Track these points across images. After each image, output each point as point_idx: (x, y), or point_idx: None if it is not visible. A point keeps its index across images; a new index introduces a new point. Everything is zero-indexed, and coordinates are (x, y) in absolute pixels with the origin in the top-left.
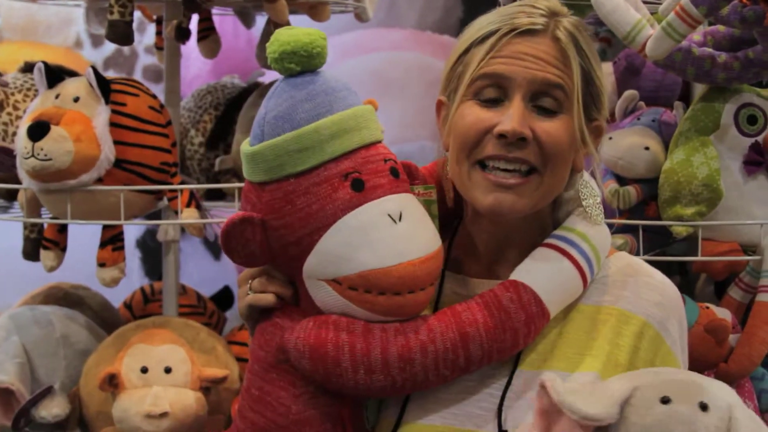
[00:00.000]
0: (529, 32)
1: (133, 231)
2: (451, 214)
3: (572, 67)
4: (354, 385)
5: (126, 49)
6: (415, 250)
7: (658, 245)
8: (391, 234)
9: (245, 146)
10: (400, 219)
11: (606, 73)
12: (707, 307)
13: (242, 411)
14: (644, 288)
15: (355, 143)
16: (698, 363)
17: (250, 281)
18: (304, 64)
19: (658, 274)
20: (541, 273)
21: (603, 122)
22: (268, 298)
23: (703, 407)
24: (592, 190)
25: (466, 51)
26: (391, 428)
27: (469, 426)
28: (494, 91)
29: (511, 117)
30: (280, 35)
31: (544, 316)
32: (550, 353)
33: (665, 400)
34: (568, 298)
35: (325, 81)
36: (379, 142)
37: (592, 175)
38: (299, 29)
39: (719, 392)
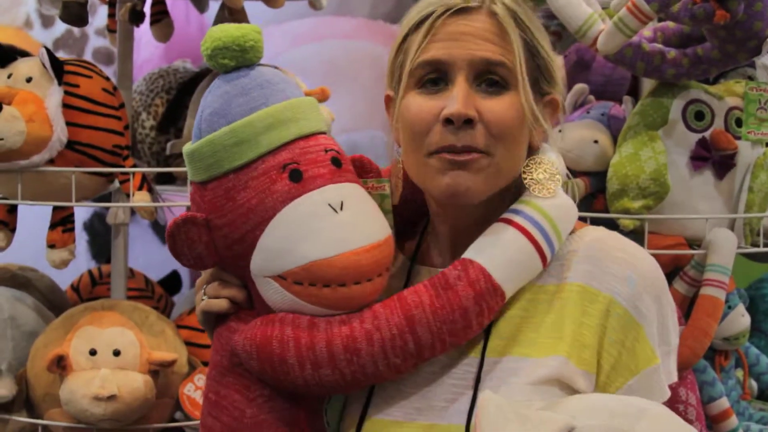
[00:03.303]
0: (463, 10)
1: (80, 213)
2: (421, 212)
3: (512, 42)
4: (303, 382)
5: (76, 30)
6: (359, 238)
7: None
8: (333, 223)
9: (186, 146)
10: (341, 208)
11: (557, 66)
12: None
13: (202, 417)
14: (611, 262)
15: (293, 134)
16: None
17: (204, 287)
18: (237, 58)
19: (632, 247)
20: (491, 248)
21: (558, 95)
22: (221, 304)
23: None
24: (546, 164)
25: (405, 39)
26: (354, 424)
27: (433, 419)
28: (436, 75)
29: (455, 99)
30: (212, 32)
31: (497, 293)
32: (514, 338)
33: None
34: (524, 274)
35: (260, 75)
36: (321, 133)
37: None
38: (232, 25)
39: None
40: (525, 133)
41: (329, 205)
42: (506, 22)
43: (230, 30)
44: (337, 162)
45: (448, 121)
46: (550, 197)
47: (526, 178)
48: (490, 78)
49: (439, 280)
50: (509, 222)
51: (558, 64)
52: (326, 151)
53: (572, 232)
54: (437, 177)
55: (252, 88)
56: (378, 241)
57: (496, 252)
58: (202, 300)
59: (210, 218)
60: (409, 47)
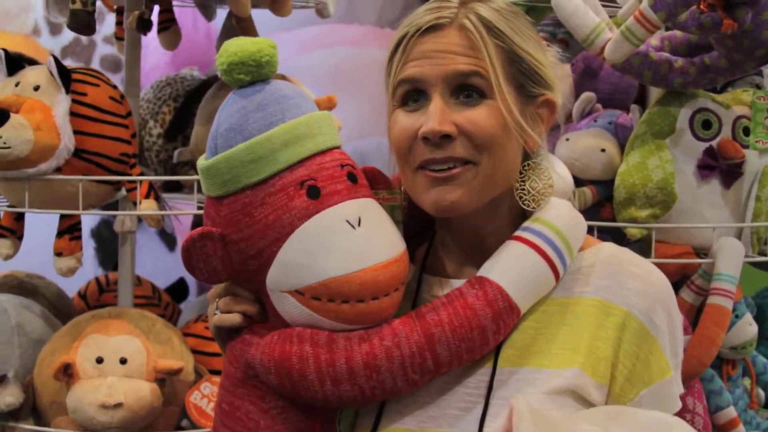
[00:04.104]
0: (434, 28)
1: (87, 221)
2: (428, 219)
3: (484, 51)
4: (323, 396)
5: (84, 38)
6: (377, 254)
7: None
8: (351, 240)
9: (201, 161)
10: (359, 224)
11: (564, 74)
12: None
13: (215, 426)
14: (627, 277)
15: (309, 150)
16: None
17: (216, 300)
18: (253, 73)
19: (644, 263)
20: (507, 267)
21: (552, 94)
22: (234, 319)
23: None
24: (542, 172)
25: (389, 61)
26: None
27: (446, 427)
28: (415, 94)
29: (430, 117)
30: (228, 46)
31: (513, 312)
32: (528, 349)
33: None
34: (538, 291)
35: (276, 90)
36: (337, 147)
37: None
38: (247, 39)
39: None
40: (512, 139)
41: (347, 221)
42: (474, 33)
43: (246, 45)
44: (353, 177)
45: (426, 138)
46: (555, 212)
47: (518, 188)
48: (466, 89)
49: (457, 299)
50: (523, 240)
51: (550, 61)
52: (342, 166)
53: (583, 247)
54: (424, 193)
55: (268, 103)
56: (395, 257)
57: (512, 270)
58: (215, 314)
59: (226, 233)
60: (390, 69)
